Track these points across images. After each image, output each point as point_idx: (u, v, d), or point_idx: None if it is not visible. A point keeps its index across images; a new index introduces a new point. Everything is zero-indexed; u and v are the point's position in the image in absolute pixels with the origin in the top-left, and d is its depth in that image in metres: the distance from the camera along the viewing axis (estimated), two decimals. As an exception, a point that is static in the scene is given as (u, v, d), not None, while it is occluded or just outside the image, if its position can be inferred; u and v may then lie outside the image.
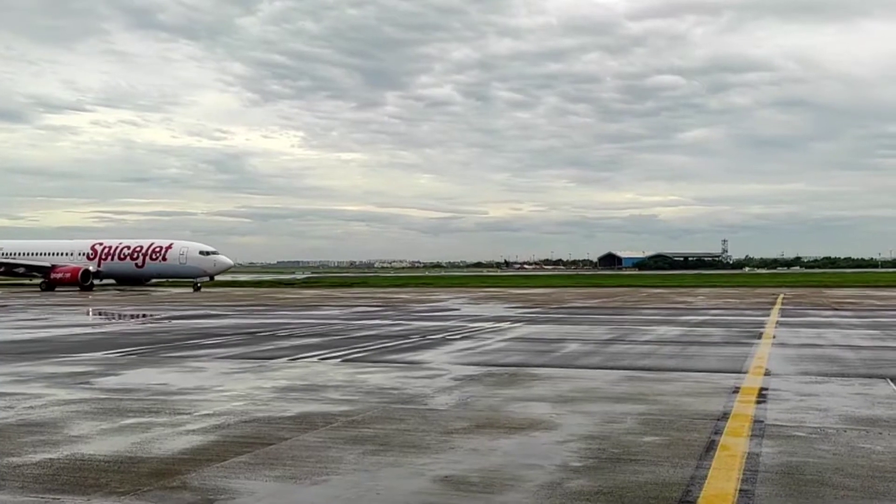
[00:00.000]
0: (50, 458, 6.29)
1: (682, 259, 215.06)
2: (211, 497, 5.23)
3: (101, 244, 58.76)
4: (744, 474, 5.67)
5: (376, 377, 11.05)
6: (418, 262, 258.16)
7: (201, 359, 13.43)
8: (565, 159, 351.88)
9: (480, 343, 16.00)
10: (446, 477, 5.70)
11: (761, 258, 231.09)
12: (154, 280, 61.18)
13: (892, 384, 10.02)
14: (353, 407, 8.60)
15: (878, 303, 32.33)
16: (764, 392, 9.45)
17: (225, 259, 56.05)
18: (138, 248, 56.95)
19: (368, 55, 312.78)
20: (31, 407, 8.68)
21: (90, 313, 28.00)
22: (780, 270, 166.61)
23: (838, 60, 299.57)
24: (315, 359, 13.36)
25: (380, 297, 40.63)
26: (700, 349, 14.78)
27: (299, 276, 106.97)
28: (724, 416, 7.90)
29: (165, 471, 5.88)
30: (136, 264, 56.78)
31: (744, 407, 8.44)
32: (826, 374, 11.03)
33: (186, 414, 8.23)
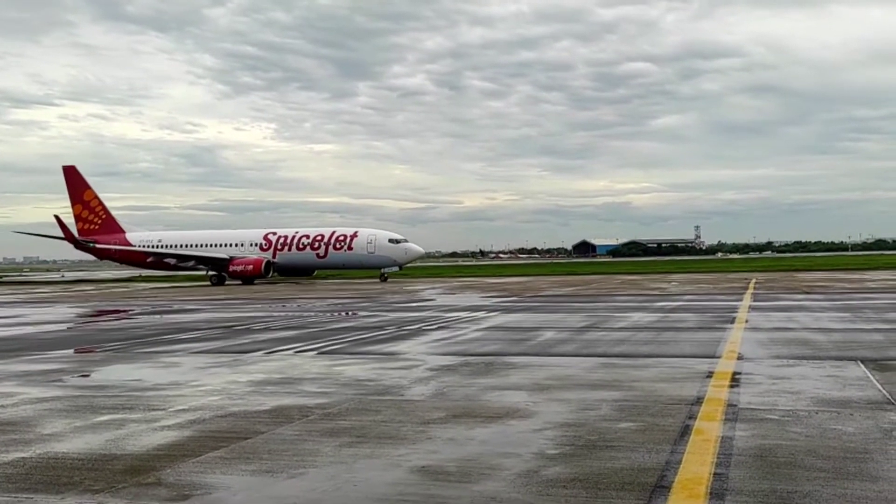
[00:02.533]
0: (23, 458, 6.22)
1: (655, 246, 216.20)
2: (186, 493, 5.20)
3: (274, 233, 54.63)
4: (718, 458, 5.72)
5: (352, 369, 11.04)
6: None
7: (176, 354, 13.33)
8: (539, 148, 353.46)
9: (456, 333, 16.02)
10: (423, 467, 5.71)
11: (734, 243, 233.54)
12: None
13: (862, 366, 10.15)
14: (329, 399, 8.58)
15: (849, 286, 32.73)
16: (737, 376, 9.54)
17: (416, 247, 52.53)
18: (319, 237, 52.80)
19: (340, 45, 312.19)
20: (3, 406, 8.58)
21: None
22: (752, 255, 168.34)
23: (807, 45, 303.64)
24: (291, 352, 13.31)
25: (355, 289, 40.52)
26: (674, 335, 14.90)
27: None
28: (699, 401, 7.97)
29: (140, 467, 5.83)
30: (318, 254, 52.72)
31: (717, 391, 8.52)
32: (798, 357, 11.16)
33: (161, 410, 8.17)
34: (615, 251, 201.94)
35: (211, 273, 53.80)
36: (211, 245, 55.81)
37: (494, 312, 21.66)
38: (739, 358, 11.20)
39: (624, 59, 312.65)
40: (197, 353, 13.43)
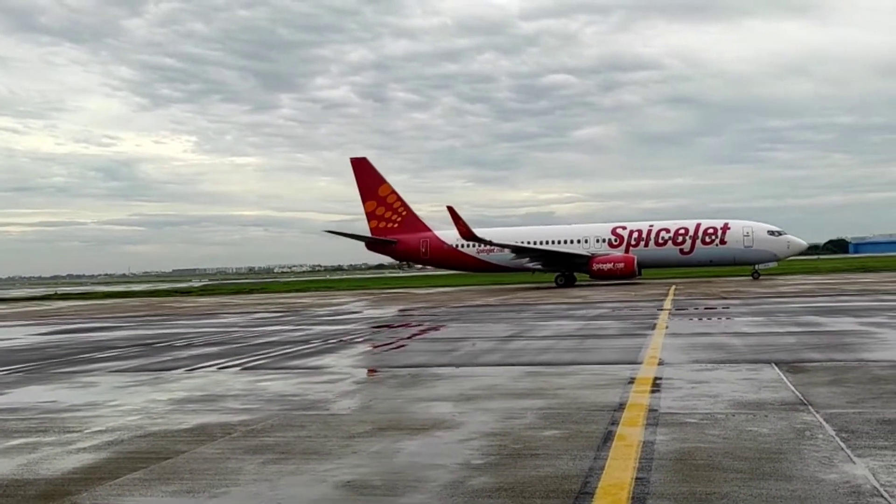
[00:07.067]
0: (-73, 486, 5.94)
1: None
2: (104, 517, 5.05)
3: (623, 227, 48.94)
4: (640, 463, 5.82)
5: (277, 384, 10.89)
6: (319, 265, 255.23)
7: (94, 373, 12.94)
8: (463, 159, 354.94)
9: (382, 344, 15.94)
10: (349, 482, 5.66)
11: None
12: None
13: (776, 368, 10.46)
14: (252, 416, 8.44)
15: (763, 291, 33.72)
16: (658, 381, 9.73)
17: (799, 240, 47.36)
18: (682, 231, 47.56)
19: (262, 57, 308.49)
20: None
21: None
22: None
23: (722, 58, 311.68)
24: (214, 368, 13.06)
25: (280, 303, 40.05)
26: (597, 342, 15.12)
27: (196, 284, 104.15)
28: (621, 407, 8.10)
29: (54, 492, 5.64)
30: (682, 250, 47.52)
31: (639, 397, 8.68)
32: (716, 362, 11.44)
33: (77, 431, 7.91)
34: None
35: (557, 273, 49.00)
36: (548, 242, 49.82)
37: (423, 323, 21.64)
38: (660, 363, 11.42)
39: (546, 72, 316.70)
40: (116, 371, 13.03)
